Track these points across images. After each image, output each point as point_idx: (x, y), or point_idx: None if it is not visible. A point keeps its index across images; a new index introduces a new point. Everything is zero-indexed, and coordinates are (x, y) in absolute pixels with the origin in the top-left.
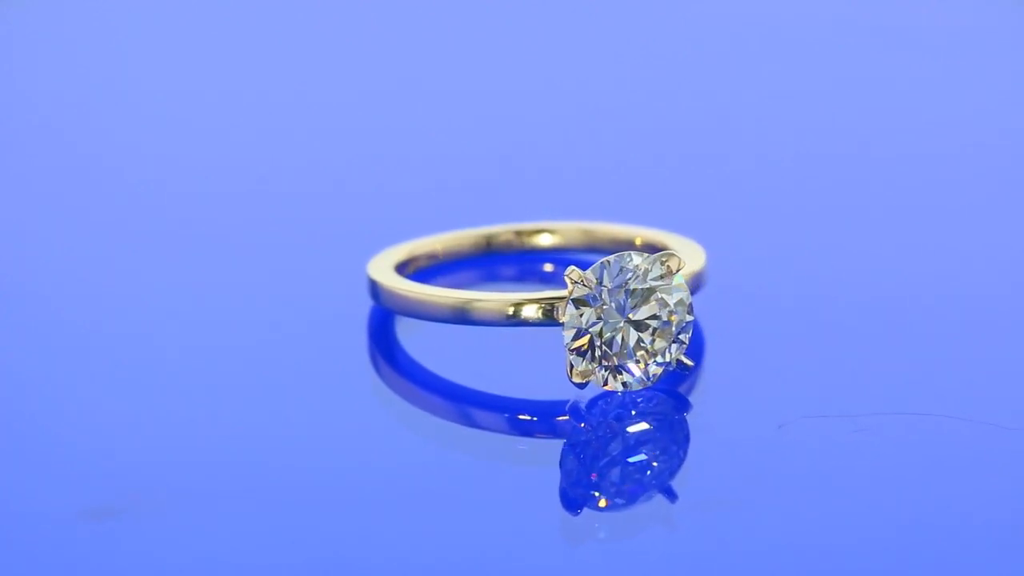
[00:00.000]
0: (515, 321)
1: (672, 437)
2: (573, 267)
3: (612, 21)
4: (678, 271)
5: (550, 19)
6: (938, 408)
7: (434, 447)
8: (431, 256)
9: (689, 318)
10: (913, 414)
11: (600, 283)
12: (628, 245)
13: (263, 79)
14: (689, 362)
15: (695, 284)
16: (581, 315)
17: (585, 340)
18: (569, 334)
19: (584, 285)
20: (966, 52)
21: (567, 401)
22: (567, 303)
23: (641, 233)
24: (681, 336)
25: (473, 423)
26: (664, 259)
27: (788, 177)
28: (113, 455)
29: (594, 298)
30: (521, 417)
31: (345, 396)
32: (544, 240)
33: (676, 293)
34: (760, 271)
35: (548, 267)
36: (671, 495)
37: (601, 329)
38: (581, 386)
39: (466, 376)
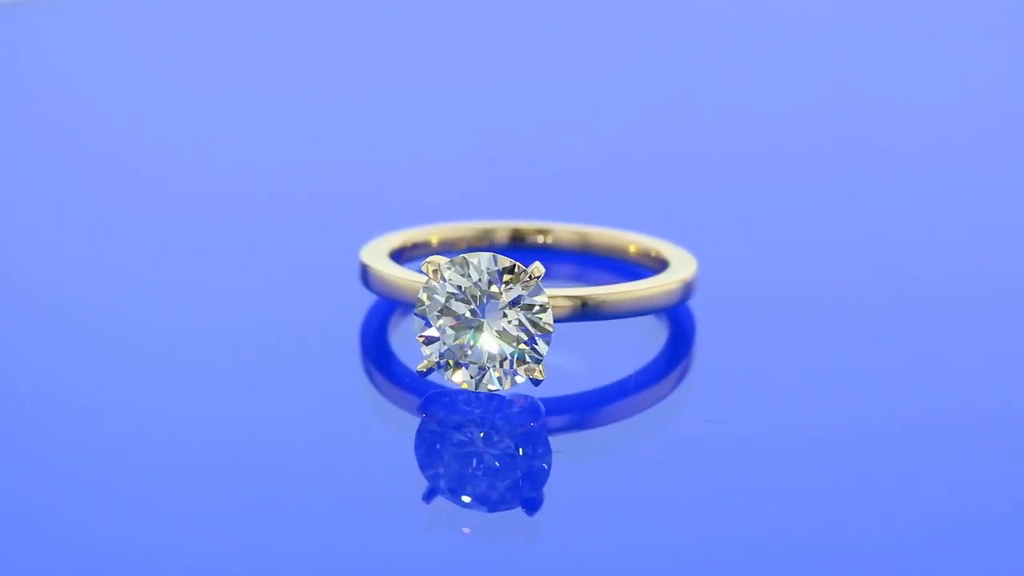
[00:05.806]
0: None
1: (523, 444)
2: (434, 257)
3: (614, 26)
4: (536, 279)
5: (554, 23)
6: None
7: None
8: (426, 246)
9: (548, 328)
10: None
11: (462, 278)
12: (621, 251)
13: (266, 75)
14: (541, 375)
15: (686, 292)
16: (432, 307)
17: (433, 332)
18: (419, 324)
19: (440, 277)
20: (957, 58)
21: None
22: (420, 291)
23: (635, 240)
24: (534, 346)
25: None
26: (529, 268)
27: (782, 186)
28: (89, 453)
29: (451, 292)
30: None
31: (337, 391)
32: (540, 240)
33: (536, 302)
34: (752, 280)
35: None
36: (531, 506)
37: (454, 325)
38: (424, 375)
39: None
